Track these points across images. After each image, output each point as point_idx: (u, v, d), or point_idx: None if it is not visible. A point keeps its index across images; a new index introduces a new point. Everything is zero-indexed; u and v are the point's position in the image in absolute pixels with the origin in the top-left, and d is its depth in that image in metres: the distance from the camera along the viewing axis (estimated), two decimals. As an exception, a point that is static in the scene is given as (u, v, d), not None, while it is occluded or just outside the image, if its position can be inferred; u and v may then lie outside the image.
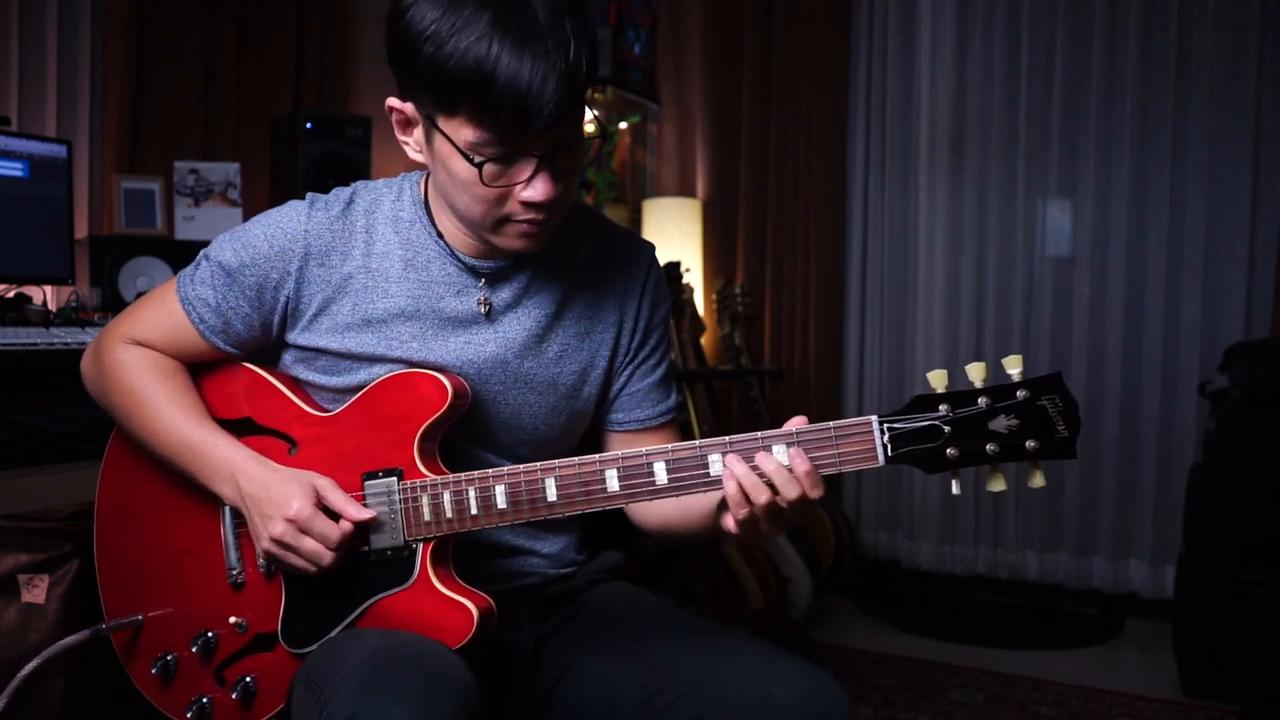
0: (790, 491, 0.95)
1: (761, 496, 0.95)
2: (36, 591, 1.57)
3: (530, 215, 1.03)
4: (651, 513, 1.21)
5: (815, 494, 0.96)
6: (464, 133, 0.98)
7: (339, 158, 2.51)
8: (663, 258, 3.56)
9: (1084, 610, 3.46)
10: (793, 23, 3.73)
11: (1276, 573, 2.60)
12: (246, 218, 2.52)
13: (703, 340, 3.59)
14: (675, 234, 3.79)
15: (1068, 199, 3.52)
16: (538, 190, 1.01)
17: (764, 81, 3.82)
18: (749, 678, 1.03)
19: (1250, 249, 3.24)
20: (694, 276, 3.79)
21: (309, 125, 2.49)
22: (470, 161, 0.99)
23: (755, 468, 0.96)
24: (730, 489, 0.96)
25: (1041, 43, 3.48)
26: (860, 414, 3.83)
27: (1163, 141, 3.32)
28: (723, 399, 3.61)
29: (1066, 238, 3.54)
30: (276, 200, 2.62)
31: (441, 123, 1.00)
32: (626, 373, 1.24)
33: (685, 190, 4.05)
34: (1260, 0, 3.16)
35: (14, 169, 1.98)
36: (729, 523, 1.00)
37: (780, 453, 0.97)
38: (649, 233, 3.81)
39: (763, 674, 1.03)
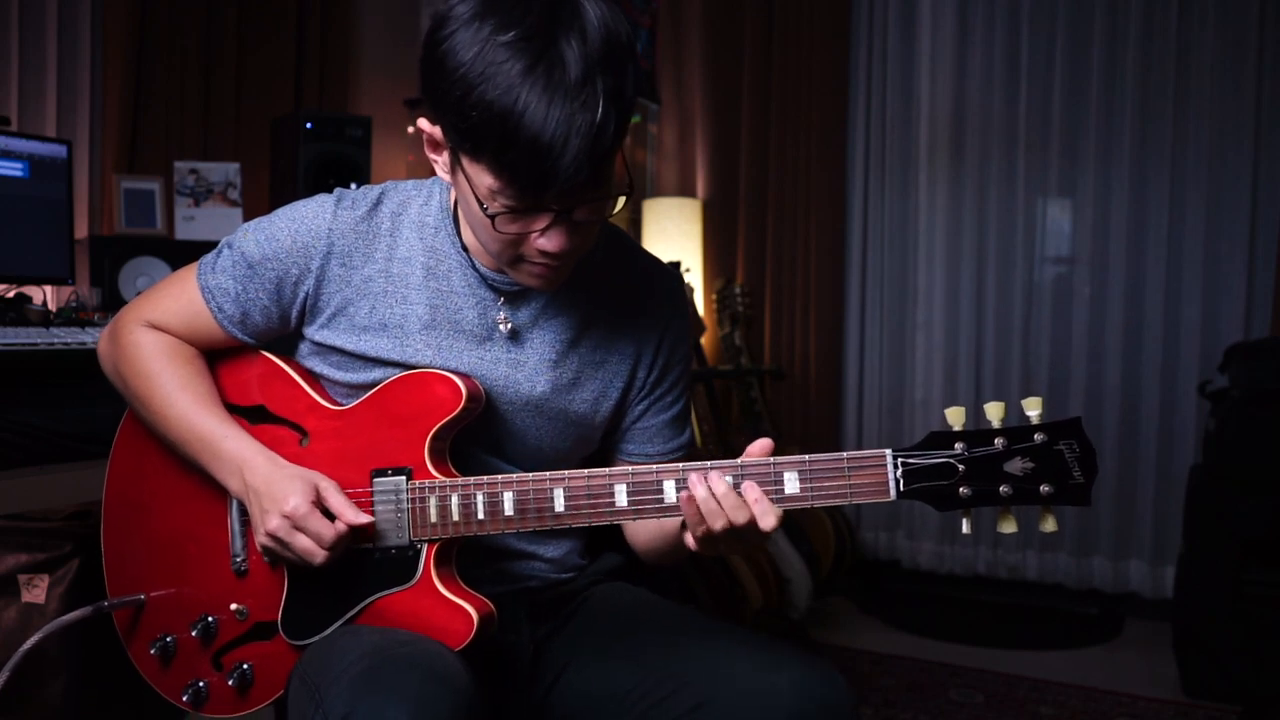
0: (738, 516, 0.97)
1: (717, 522, 0.97)
2: (36, 591, 1.57)
3: (544, 260, 1.02)
4: (640, 535, 1.23)
5: (766, 523, 0.96)
6: (484, 179, 0.96)
7: (339, 158, 2.51)
8: (663, 258, 3.55)
9: (1084, 610, 3.46)
10: (793, 23, 3.73)
11: (1276, 573, 2.60)
12: (247, 218, 2.50)
13: (703, 340, 3.59)
14: (675, 234, 3.79)
15: (1068, 199, 3.52)
16: (551, 242, 0.99)
17: (764, 81, 3.82)
18: (747, 666, 1.03)
19: (1250, 249, 3.24)
20: (694, 276, 3.79)
21: (309, 125, 2.49)
22: (484, 211, 0.98)
23: (711, 491, 0.98)
24: (689, 512, 0.99)
25: (1041, 43, 3.48)
26: (859, 416, 3.85)
27: (1163, 141, 3.32)
28: (723, 399, 3.61)
29: (1066, 238, 3.54)
30: (276, 200, 2.62)
31: (465, 162, 0.98)
32: (641, 407, 1.23)
33: (685, 190, 4.05)
34: (1260, 0, 3.16)
35: (14, 169, 1.97)
36: (689, 540, 1.02)
37: (791, 480, 0.98)
38: (649, 233, 3.81)
39: (761, 661, 1.04)
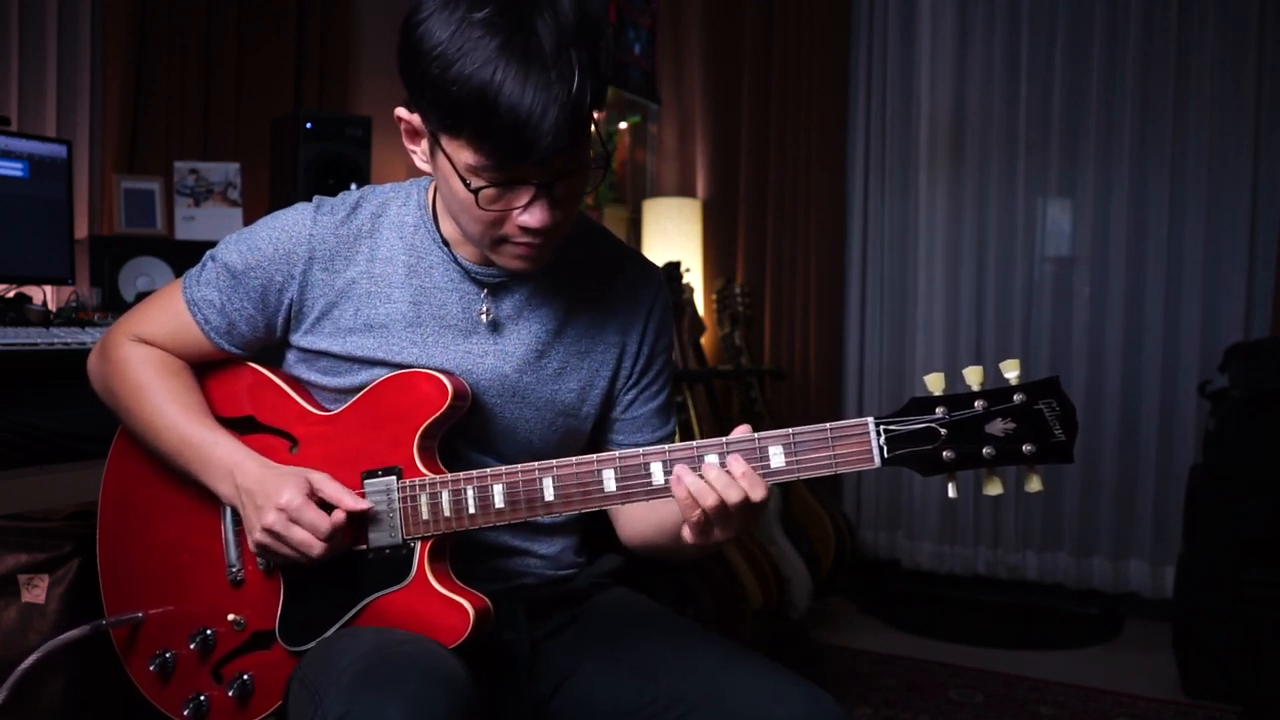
0: (731, 495, 0.95)
1: (708, 499, 0.96)
2: (36, 591, 1.57)
3: (527, 239, 1.04)
4: (635, 531, 1.22)
5: (756, 495, 0.96)
6: (464, 155, 0.98)
7: (339, 158, 2.51)
8: (663, 258, 3.56)
9: (1084, 610, 3.46)
10: (793, 23, 3.73)
11: (1276, 573, 2.60)
12: (247, 218, 2.50)
13: (703, 340, 3.59)
14: (675, 234, 3.79)
15: (1068, 199, 3.52)
16: (534, 217, 1.01)
17: (764, 81, 3.82)
18: (751, 695, 1.04)
19: (1250, 249, 3.24)
20: (694, 276, 3.79)
21: (309, 125, 2.49)
22: (467, 187, 0.99)
23: (700, 474, 0.97)
24: (679, 494, 0.97)
25: (1041, 43, 3.49)
26: (860, 414, 3.85)
27: (1163, 141, 3.32)
28: (723, 399, 3.61)
29: (1066, 238, 3.54)
30: (276, 200, 2.62)
31: (444, 142, 1.00)
32: (629, 397, 1.24)
33: (685, 190, 4.05)
34: (1260, 0, 3.16)
35: (14, 169, 1.97)
36: (686, 533, 1.01)
37: (776, 454, 0.97)
38: (649, 233, 3.81)
39: (764, 691, 1.04)
